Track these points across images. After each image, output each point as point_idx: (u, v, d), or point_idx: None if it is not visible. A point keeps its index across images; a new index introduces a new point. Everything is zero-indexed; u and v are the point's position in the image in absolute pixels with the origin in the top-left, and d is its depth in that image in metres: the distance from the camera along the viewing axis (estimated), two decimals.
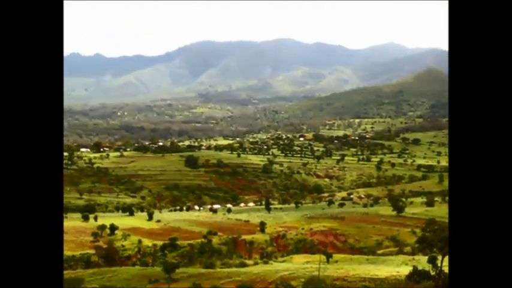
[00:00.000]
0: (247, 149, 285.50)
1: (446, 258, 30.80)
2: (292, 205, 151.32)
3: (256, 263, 73.11)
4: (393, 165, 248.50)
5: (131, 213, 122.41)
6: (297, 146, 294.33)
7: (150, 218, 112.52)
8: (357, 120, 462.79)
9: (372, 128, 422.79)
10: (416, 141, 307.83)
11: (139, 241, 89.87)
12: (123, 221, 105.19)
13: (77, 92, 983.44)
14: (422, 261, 47.61)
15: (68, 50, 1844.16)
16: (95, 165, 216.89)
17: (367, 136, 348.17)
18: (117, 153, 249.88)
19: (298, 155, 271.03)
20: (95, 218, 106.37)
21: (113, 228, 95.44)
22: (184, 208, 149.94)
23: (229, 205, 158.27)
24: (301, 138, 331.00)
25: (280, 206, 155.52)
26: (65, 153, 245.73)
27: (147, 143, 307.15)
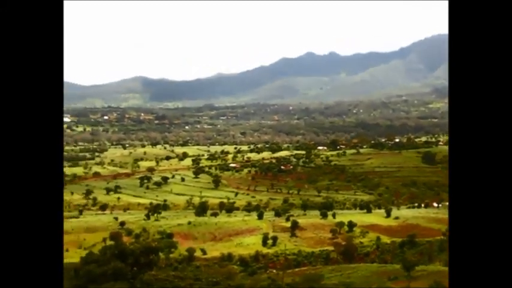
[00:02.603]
0: None
1: None
2: None
3: None
4: None
5: (369, 210, 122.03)
6: None
7: (388, 215, 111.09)
8: None
9: None
10: None
11: (378, 238, 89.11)
12: (360, 218, 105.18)
13: (313, 91, 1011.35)
14: None
15: (303, 49, 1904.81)
16: (332, 163, 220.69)
17: None
18: (354, 151, 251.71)
19: None
20: (333, 215, 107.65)
21: (351, 225, 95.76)
22: (423, 205, 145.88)
23: None
24: None
25: None
26: (303, 152, 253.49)
27: (383, 140, 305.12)
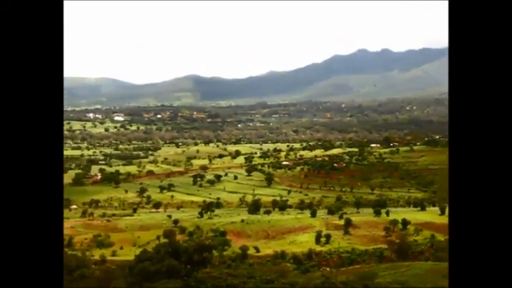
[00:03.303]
0: None
1: None
2: None
3: None
4: None
5: (423, 208, 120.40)
6: None
7: (442, 212, 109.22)
8: None
9: None
10: None
11: (432, 236, 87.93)
12: (414, 216, 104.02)
13: (365, 88, 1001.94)
14: None
15: (355, 46, 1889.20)
16: (385, 160, 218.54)
17: None
18: (407, 148, 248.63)
19: None
20: (387, 213, 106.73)
21: (405, 223, 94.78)
22: None
23: None
24: None
25: None
26: (356, 149, 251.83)
27: (437, 137, 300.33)
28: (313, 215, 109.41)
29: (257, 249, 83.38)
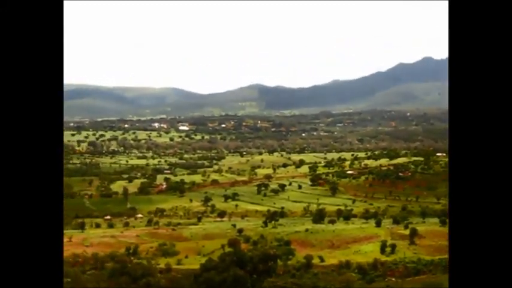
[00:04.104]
0: None
1: None
2: None
3: None
4: None
5: None
6: None
7: None
8: None
9: None
10: None
11: None
12: None
13: (430, 96, 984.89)
14: None
15: (420, 54, 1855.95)
16: None
17: None
18: None
19: None
20: None
21: None
22: None
23: None
24: None
25: None
26: (421, 158, 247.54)
27: None
28: (378, 224, 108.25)
29: (321, 259, 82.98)
